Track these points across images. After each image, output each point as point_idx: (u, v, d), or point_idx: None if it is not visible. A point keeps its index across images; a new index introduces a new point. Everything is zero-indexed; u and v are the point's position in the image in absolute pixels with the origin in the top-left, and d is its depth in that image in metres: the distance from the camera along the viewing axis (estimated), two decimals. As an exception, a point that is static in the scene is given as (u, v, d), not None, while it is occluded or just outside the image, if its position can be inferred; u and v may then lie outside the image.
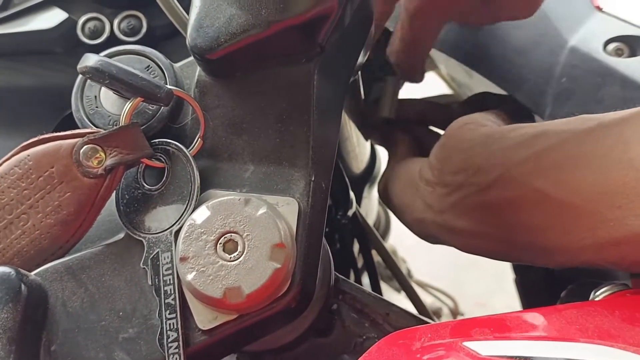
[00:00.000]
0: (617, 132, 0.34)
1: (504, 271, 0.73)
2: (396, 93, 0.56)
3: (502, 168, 0.38)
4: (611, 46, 0.45)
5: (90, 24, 0.48)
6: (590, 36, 0.46)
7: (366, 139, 0.64)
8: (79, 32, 0.48)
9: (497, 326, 0.27)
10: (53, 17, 0.49)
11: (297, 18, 0.31)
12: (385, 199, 0.52)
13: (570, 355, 0.24)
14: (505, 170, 0.38)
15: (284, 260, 0.30)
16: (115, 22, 0.48)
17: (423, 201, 0.45)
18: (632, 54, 0.44)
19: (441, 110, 0.55)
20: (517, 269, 0.63)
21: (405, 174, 0.48)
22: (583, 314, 0.27)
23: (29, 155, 0.32)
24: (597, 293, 0.31)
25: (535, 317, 0.27)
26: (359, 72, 0.53)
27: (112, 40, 0.48)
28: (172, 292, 0.31)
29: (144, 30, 0.48)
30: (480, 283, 1.67)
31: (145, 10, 0.48)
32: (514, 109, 0.48)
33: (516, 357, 0.24)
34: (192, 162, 0.33)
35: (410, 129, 0.56)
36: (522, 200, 0.37)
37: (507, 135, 0.40)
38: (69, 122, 0.35)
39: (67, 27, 0.49)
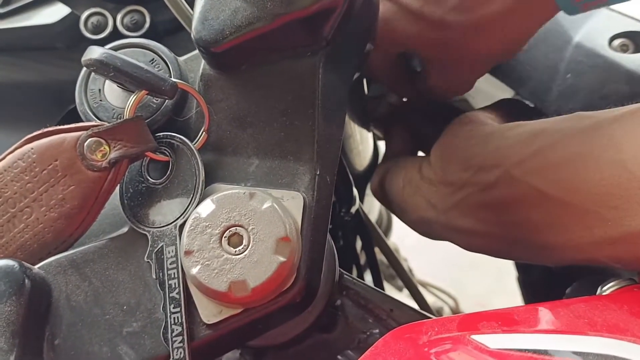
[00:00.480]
0: (609, 132, 0.34)
1: (506, 271, 0.73)
2: None
3: (502, 168, 0.38)
4: (616, 42, 0.45)
5: (93, 19, 0.48)
6: (595, 32, 0.46)
7: (368, 130, 0.64)
8: (81, 27, 0.48)
9: (504, 320, 0.27)
10: (56, 12, 0.49)
11: (302, 11, 0.31)
12: (382, 196, 0.52)
13: (580, 348, 0.23)
14: (506, 169, 0.38)
15: (289, 254, 0.29)
16: (118, 17, 0.48)
17: (426, 200, 0.44)
18: (638, 50, 0.44)
19: (442, 105, 0.55)
20: (519, 267, 0.63)
21: (405, 173, 0.48)
22: (591, 308, 0.27)
23: (32, 149, 0.32)
24: (604, 288, 0.31)
25: (543, 311, 0.27)
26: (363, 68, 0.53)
27: (115, 36, 0.48)
28: (177, 285, 0.30)
29: (147, 25, 0.48)
30: (481, 283, 1.66)
31: (148, 5, 0.48)
32: (517, 108, 0.48)
33: (525, 350, 0.24)
34: (197, 156, 0.32)
35: (410, 122, 0.56)
36: (523, 199, 0.37)
37: (505, 134, 0.40)
38: (71, 118, 0.34)
39: (69, 22, 0.48)
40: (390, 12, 0.44)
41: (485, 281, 1.65)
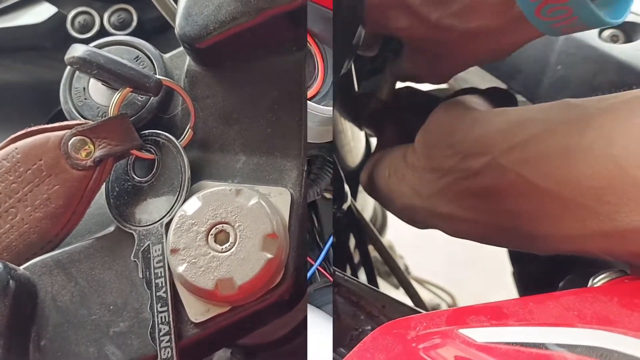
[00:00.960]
0: (599, 124, 0.33)
1: (503, 268, 0.72)
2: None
3: (489, 155, 0.38)
4: (607, 33, 0.44)
5: (80, 18, 0.48)
6: (585, 24, 0.46)
7: (360, 128, 0.63)
8: (68, 26, 0.48)
9: (493, 313, 0.27)
10: (42, 12, 0.48)
11: (286, 5, 0.31)
12: (370, 188, 0.51)
13: (568, 340, 0.23)
14: (493, 157, 0.38)
15: (276, 251, 0.29)
16: (105, 15, 0.48)
17: (411, 187, 0.44)
18: (628, 40, 0.44)
19: (433, 100, 0.55)
20: (514, 261, 0.63)
21: (391, 161, 0.47)
22: (581, 300, 0.27)
23: (16, 148, 0.32)
24: (595, 280, 0.31)
25: (532, 304, 0.27)
26: (352, 64, 0.52)
27: (102, 34, 0.48)
28: (164, 284, 0.30)
29: (134, 23, 0.48)
30: (478, 280, 1.66)
31: (135, 3, 0.48)
32: (499, 97, 0.48)
33: (513, 343, 0.23)
34: (183, 153, 0.32)
35: (401, 118, 0.55)
36: (510, 188, 0.37)
37: (492, 119, 0.39)
38: (59, 119, 0.34)
39: (56, 22, 0.48)
40: None
41: (483, 278, 1.64)
